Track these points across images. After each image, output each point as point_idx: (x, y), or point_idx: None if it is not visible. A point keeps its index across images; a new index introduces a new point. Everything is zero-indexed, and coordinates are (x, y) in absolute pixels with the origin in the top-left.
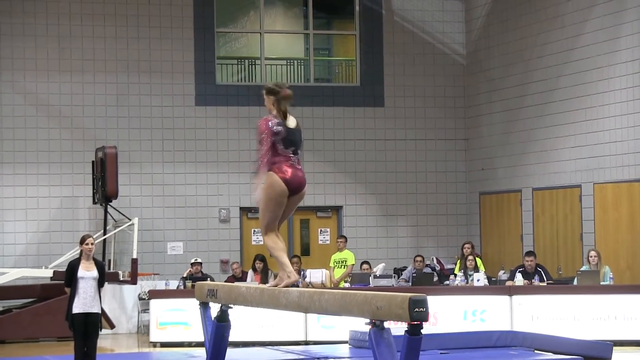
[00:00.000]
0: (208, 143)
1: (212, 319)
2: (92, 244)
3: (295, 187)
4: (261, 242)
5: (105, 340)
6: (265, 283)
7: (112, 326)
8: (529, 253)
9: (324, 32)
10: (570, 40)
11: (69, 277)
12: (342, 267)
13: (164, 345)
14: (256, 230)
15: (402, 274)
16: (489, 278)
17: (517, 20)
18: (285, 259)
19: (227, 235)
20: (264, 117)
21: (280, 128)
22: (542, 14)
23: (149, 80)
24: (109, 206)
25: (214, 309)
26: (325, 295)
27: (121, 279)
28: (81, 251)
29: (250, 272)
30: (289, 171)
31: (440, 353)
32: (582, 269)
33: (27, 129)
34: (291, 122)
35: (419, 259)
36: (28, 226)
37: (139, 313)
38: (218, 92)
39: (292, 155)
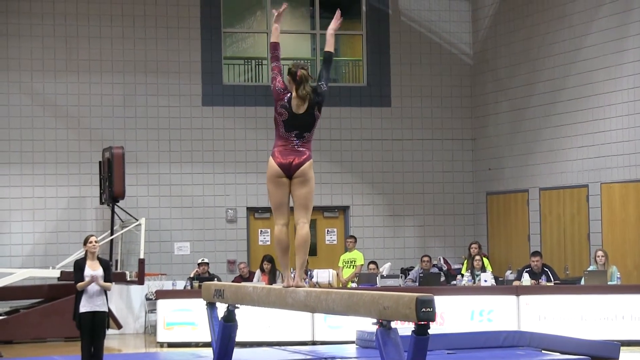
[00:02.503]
0: (215, 143)
1: (219, 319)
2: (95, 241)
3: (287, 170)
4: (268, 243)
5: (112, 341)
6: (273, 284)
7: (119, 326)
8: (535, 253)
9: None
10: (577, 40)
11: (80, 274)
12: (351, 267)
13: (171, 345)
14: (263, 230)
15: (409, 274)
16: (496, 278)
17: (524, 20)
18: (283, 260)
19: (234, 235)
20: (287, 90)
21: (283, 110)
22: (549, 14)
23: (155, 80)
24: (116, 206)
25: (221, 309)
26: (332, 295)
27: (128, 279)
28: (86, 251)
29: (257, 273)
30: (282, 154)
31: (448, 353)
32: (589, 269)
33: (35, 129)
34: (303, 106)
35: (426, 259)
36: (35, 226)
37: (146, 313)
38: (225, 92)
39: (294, 138)
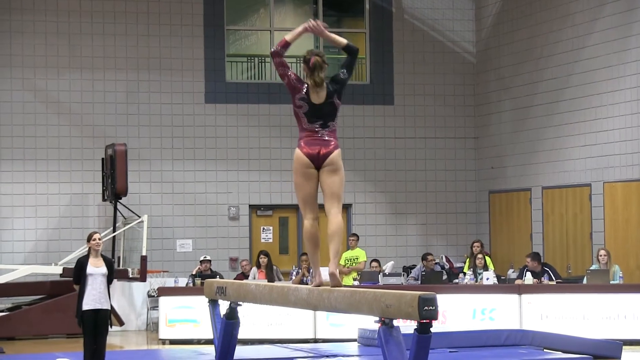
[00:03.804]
0: (217, 141)
1: (221, 316)
2: (99, 239)
3: (315, 160)
4: (270, 240)
5: (114, 337)
6: (270, 279)
7: (121, 323)
8: (530, 255)
9: (334, 30)
10: (580, 39)
11: (78, 274)
12: (353, 265)
13: (173, 342)
14: (265, 227)
15: (411, 272)
16: (498, 277)
17: (527, 19)
18: (314, 256)
19: (236, 232)
20: (302, 81)
21: (302, 103)
22: (552, 13)
23: (158, 77)
24: (118, 203)
25: (223, 306)
26: (334, 293)
27: (130, 276)
28: (89, 248)
29: (253, 270)
30: (309, 144)
31: (450, 351)
32: (591, 267)
33: (37, 126)
34: (320, 95)
35: (430, 257)
36: (38, 223)
37: (148, 310)
38: (228, 89)
39: (318, 129)
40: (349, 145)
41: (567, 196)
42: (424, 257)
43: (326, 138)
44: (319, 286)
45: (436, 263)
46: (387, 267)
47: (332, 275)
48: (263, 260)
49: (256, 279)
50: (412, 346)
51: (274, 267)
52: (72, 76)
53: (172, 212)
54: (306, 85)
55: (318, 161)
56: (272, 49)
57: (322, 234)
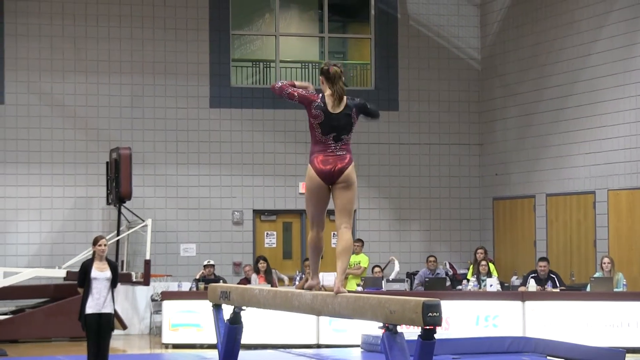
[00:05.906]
0: (222, 145)
1: (225, 321)
2: (104, 244)
3: (329, 178)
4: (274, 245)
5: (117, 341)
6: (270, 283)
7: (124, 327)
8: (543, 259)
9: (339, 35)
10: (585, 47)
11: (82, 277)
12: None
13: (176, 346)
14: (269, 232)
15: (414, 278)
16: (501, 283)
17: (533, 26)
18: (316, 263)
19: (240, 237)
20: (316, 93)
21: (318, 112)
22: (558, 20)
23: (163, 81)
24: (122, 207)
25: (227, 311)
26: (338, 299)
27: (134, 280)
28: (94, 252)
29: (253, 276)
30: (322, 162)
31: (453, 358)
32: (595, 275)
33: (42, 129)
34: (339, 107)
35: (431, 259)
36: (42, 226)
37: (151, 314)
38: (233, 94)
39: (331, 142)
40: (353, 151)
41: (571, 203)
42: (427, 259)
43: (339, 153)
44: (314, 287)
45: (441, 270)
46: (393, 272)
47: (337, 292)
48: (262, 265)
49: (257, 284)
50: (415, 352)
51: (273, 270)
52: (77, 80)
53: (176, 216)
54: (321, 95)
55: (332, 178)
56: (279, 84)
57: (326, 244)
